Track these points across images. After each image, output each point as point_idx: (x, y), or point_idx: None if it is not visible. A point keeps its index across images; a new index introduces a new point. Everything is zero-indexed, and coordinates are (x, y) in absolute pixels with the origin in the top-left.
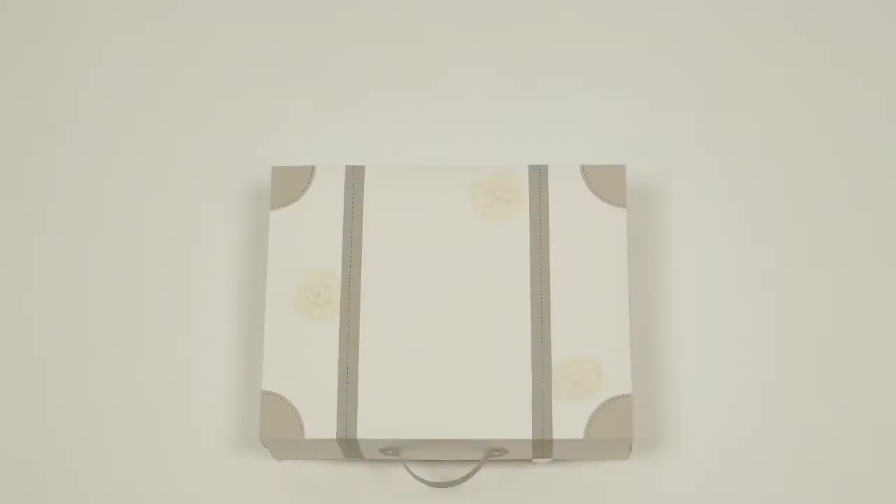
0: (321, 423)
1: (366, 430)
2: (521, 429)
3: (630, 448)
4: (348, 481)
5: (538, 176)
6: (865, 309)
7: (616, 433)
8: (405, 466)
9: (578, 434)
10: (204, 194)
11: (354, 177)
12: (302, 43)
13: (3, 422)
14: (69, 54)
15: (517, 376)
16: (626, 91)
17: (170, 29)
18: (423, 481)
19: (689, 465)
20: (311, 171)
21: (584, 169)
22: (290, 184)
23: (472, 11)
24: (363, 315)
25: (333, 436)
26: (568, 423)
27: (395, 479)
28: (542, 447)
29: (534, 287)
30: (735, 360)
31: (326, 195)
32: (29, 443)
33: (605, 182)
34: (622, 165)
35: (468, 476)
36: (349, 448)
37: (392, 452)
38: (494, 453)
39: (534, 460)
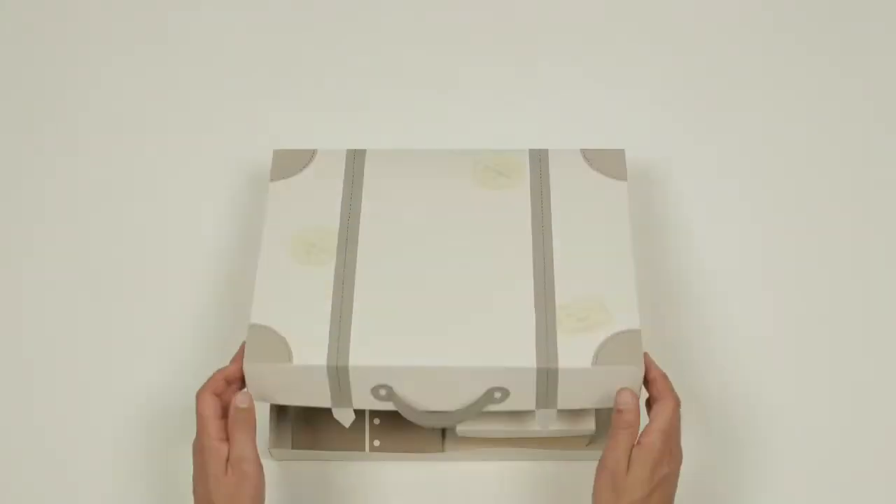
0: (311, 351)
1: (358, 357)
2: (524, 357)
3: (641, 387)
4: (348, 481)
5: (538, 157)
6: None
7: (626, 360)
8: (397, 407)
9: (586, 362)
10: (204, 191)
11: (355, 158)
12: (303, 38)
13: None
14: (74, 36)
15: (520, 313)
16: (625, 84)
17: (171, 27)
18: (416, 416)
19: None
20: (313, 153)
21: (584, 152)
22: (291, 163)
23: (473, 7)
24: (360, 258)
25: (324, 362)
26: (575, 352)
27: (395, 478)
28: (547, 385)
29: (535, 235)
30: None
31: (327, 169)
32: (19, 439)
33: (606, 162)
34: (621, 149)
35: (465, 413)
36: (340, 387)
37: (385, 394)
38: (495, 396)
39: (536, 411)
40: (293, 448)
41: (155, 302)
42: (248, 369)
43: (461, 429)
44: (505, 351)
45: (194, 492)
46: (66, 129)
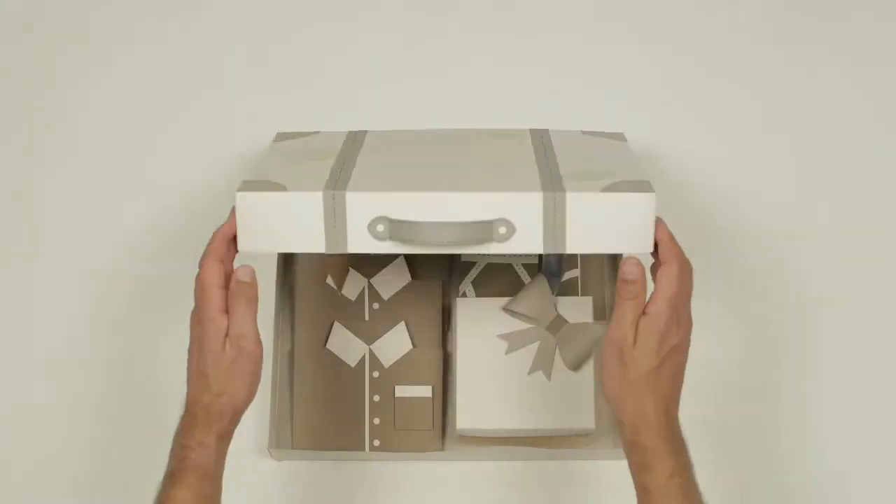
0: (307, 183)
1: (356, 185)
2: (530, 184)
3: (654, 241)
4: (348, 481)
5: (539, 132)
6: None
7: (637, 187)
8: (395, 242)
9: (595, 189)
10: (205, 190)
11: (356, 136)
12: (303, 36)
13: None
14: (74, 36)
15: (524, 170)
16: (625, 84)
17: (171, 26)
18: (416, 235)
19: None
20: (315, 133)
21: (584, 133)
22: (293, 137)
23: (473, 5)
24: (363, 150)
25: (320, 189)
26: (582, 186)
27: (395, 478)
28: (555, 216)
29: (536, 144)
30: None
31: (328, 137)
32: (22, 441)
33: (606, 137)
34: (620, 132)
35: (468, 231)
36: (336, 222)
37: (383, 230)
38: (500, 231)
39: (544, 254)
40: (293, 448)
41: (156, 301)
42: (241, 202)
43: (461, 427)
44: (510, 182)
45: (188, 366)
46: (66, 129)
